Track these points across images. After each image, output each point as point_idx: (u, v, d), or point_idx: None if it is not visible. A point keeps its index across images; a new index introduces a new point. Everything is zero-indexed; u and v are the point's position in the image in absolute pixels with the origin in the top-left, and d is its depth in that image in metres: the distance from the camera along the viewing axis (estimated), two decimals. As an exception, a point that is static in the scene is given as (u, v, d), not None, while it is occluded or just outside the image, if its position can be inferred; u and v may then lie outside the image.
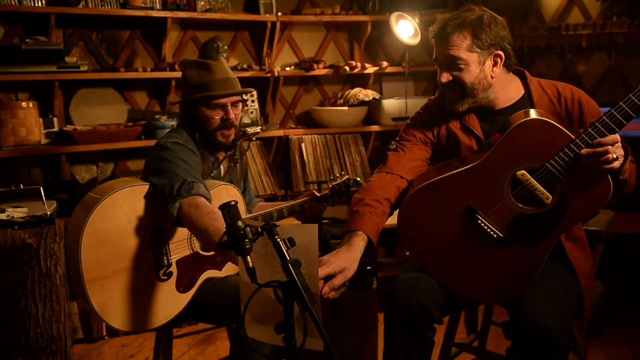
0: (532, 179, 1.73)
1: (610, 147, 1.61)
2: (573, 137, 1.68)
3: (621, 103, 1.63)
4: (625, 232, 2.90)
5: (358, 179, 2.49)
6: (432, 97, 2.09)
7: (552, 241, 1.76)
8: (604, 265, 2.30)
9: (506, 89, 1.93)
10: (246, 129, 2.24)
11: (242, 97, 2.18)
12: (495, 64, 1.88)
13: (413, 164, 1.98)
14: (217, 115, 2.09)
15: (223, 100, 2.09)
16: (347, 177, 2.44)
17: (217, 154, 2.19)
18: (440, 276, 1.85)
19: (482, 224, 1.79)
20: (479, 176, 1.80)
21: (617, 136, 1.64)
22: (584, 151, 1.65)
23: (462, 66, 1.86)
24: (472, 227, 1.80)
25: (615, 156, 1.61)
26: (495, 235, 1.78)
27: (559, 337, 1.64)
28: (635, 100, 1.62)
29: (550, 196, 1.73)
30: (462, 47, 1.84)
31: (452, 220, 1.82)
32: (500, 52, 1.86)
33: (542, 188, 1.72)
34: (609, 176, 1.68)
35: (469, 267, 1.82)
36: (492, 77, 1.88)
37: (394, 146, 2.06)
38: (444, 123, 1.99)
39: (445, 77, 1.89)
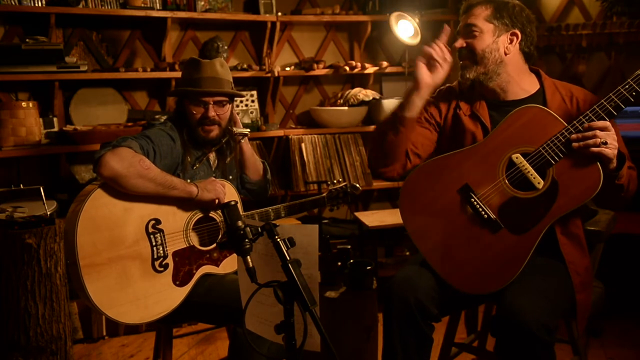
0: (526, 162, 1.80)
1: (598, 131, 1.71)
2: (566, 124, 1.78)
3: (611, 95, 1.74)
4: (625, 232, 2.90)
5: (357, 184, 2.53)
6: (448, 84, 2.11)
7: (541, 229, 1.79)
8: (604, 265, 2.30)
9: (520, 76, 1.97)
10: (233, 128, 2.26)
11: (229, 97, 2.21)
12: (510, 42, 1.93)
13: (419, 139, 2.02)
14: (198, 112, 2.15)
15: (205, 98, 2.14)
16: (344, 183, 2.49)
17: (204, 149, 2.21)
18: (432, 259, 1.88)
19: (475, 203, 1.84)
20: (478, 157, 1.87)
21: (606, 122, 1.72)
22: (574, 135, 1.74)
23: (476, 33, 1.93)
24: (466, 207, 1.85)
25: (603, 141, 1.69)
26: (486, 216, 1.82)
27: (538, 332, 1.65)
28: (625, 93, 1.73)
29: (542, 181, 1.79)
30: (481, 16, 1.93)
31: (449, 198, 1.87)
32: (518, 32, 1.93)
33: (534, 172, 1.79)
34: (599, 166, 1.73)
35: (459, 250, 1.86)
36: (505, 54, 1.93)
37: None
38: (452, 108, 2.04)
39: (459, 43, 1.97)
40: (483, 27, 1.92)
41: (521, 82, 1.97)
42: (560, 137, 1.77)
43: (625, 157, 1.79)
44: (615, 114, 1.74)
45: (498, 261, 1.82)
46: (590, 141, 1.71)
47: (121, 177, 1.86)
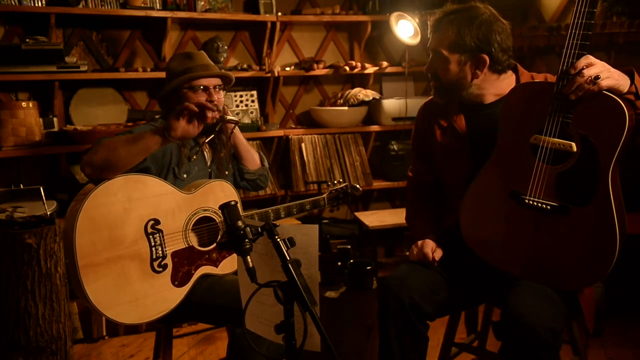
0: (546, 137, 1.72)
1: (585, 70, 1.62)
2: (554, 81, 1.71)
3: (571, 30, 1.67)
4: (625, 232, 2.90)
5: (357, 185, 2.53)
6: (429, 99, 2.16)
7: (605, 184, 1.66)
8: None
9: (495, 86, 1.97)
10: (224, 115, 2.27)
11: (223, 83, 2.23)
12: (477, 67, 1.91)
13: (428, 171, 2.16)
14: (201, 97, 2.15)
15: (205, 82, 2.16)
16: (345, 184, 2.49)
17: (198, 139, 2.21)
18: (527, 274, 1.80)
19: (531, 202, 1.75)
20: (504, 161, 1.82)
21: (586, 57, 1.65)
22: (565, 89, 1.66)
23: (442, 62, 1.92)
24: (526, 210, 1.77)
25: (594, 76, 1.60)
26: (549, 207, 1.73)
27: (545, 336, 1.64)
28: (581, 20, 1.66)
29: (572, 143, 1.69)
30: (445, 43, 1.90)
31: (507, 212, 1.80)
32: (485, 56, 1.89)
33: (559, 140, 1.70)
34: (611, 95, 1.63)
35: (547, 254, 1.75)
36: (473, 79, 1.92)
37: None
38: (428, 127, 2.09)
39: (426, 69, 2.00)
40: (448, 56, 1.90)
41: (496, 89, 1.97)
42: (558, 96, 1.69)
43: (634, 73, 1.70)
44: (588, 43, 1.66)
45: (591, 240, 1.70)
46: (584, 85, 1.62)
47: (95, 164, 1.91)
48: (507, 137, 1.81)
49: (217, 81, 2.20)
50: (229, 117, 2.26)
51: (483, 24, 1.87)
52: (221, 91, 2.22)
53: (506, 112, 1.82)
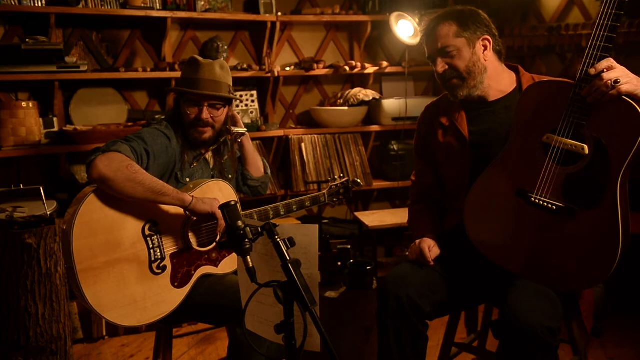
0: (559, 138, 1.71)
1: (604, 73, 1.60)
2: (573, 82, 1.68)
3: (595, 31, 1.64)
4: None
5: (358, 180, 2.54)
6: (430, 103, 2.17)
7: (614, 190, 1.65)
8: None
9: (499, 79, 1.98)
10: (231, 127, 2.29)
11: (225, 101, 2.20)
12: (485, 48, 1.94)
13: (430, 174, 2.15)
14: (192, 112, 2.15)
15: (197, 99, 2.14)
16: (346, 179, 2.50)
17: (200, 149, 2.21)
18: (527, 273, 1.80)
19: (538, 201, 1.74)
20: (513, 158, 1.81)
21: (608, 60, 1.62)
22: (584, 91, 1.64)
23: (454, 53, 1.92)
24: (532, 209, 1.76)
25: (614, 80, 1.59)
26: (555, 207, 1.72)
27: (543, 335, 1.65)
28: (606, 22, 1.63)
29: (585, 145, 1.67)
30: (450, 35, 1.92)
31: (513, 210, 1.80)
32: (488, 37, 1.94)
33: (572, 141, 1.68)
34: (628, 101, 1.61)
35: (549, 254, 1.75)
36: (485, 60, 1.94)
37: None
38: (430, 127, 2.10)
39: (440, 67, 1.95)
40: (457, 44, 1.91)
41: (500, 84, 1.98)
42: (576, 97, 1.67)
43: None
44: (610, 45, 1.63)
45: (593, 244, 1.68)
46: (602, 88, 1.60)
47: (109, 180, 1.86)
48: (519, 134, 1.81)
49: (214, 100, 2.16)
50: (235, 130, 2.28)
51: (473, 13, 1.96)
52: (222, 108, 2.19)
53: (521, 109, 1.81)
